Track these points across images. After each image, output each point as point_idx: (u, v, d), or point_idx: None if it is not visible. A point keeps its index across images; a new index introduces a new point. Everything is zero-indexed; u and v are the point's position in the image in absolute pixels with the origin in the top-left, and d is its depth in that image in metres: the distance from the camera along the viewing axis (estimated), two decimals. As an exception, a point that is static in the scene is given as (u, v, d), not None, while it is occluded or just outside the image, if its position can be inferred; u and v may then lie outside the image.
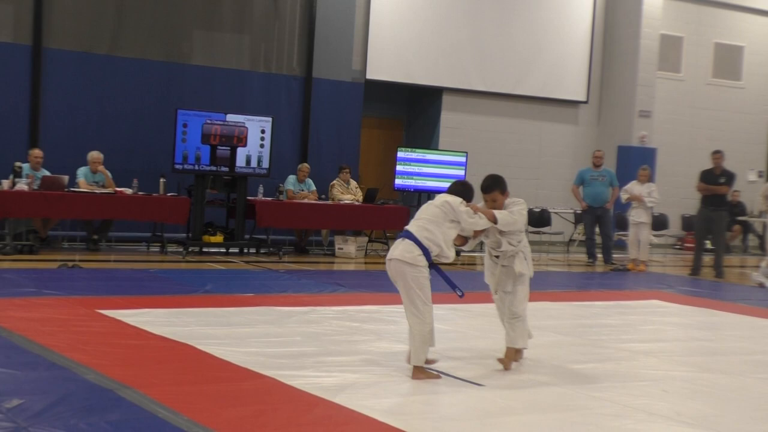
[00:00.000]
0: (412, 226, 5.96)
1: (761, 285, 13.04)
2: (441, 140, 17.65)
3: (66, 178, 12.40)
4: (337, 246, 14.19)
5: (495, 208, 6.13)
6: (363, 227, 14.60)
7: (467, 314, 8.53)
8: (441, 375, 5.92)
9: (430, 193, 15.15)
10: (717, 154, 14.32)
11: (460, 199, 6.00)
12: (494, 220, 6.03)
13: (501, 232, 6.16)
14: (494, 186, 6.19)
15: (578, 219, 16.96)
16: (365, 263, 13.60)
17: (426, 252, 5.83)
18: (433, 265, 5.94)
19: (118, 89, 14.05)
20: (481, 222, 6.00)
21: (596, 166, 15.33)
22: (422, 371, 5.85)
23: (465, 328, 7.97)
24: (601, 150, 16.02)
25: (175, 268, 11.54)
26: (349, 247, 14.04)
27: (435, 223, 5.89)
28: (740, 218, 19.52)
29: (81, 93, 13.79)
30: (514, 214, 6.11)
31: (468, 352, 6.82)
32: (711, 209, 14.11)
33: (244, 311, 8.07)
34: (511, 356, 6.31)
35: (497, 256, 6.31)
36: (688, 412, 5.38)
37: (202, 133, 12.92)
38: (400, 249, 5.87)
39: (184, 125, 12.84)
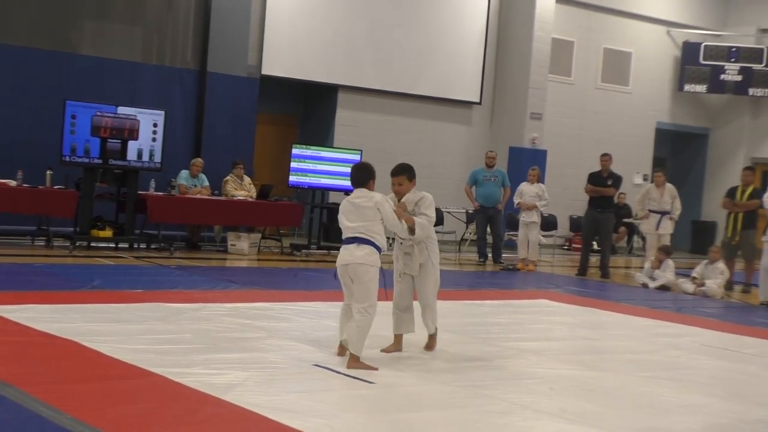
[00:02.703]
0: (359, 231, 6.19)
1: (645, 285, 13.44)
2: (336, 138, 17.65)
3: (-54, 169, 11.98)
4: (229, 242, 14.06)
5: (400, 192, 6.65)
6: (256, 224, 14.50)
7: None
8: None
9: (324, 191, 15.14)
10: (605, 157, 14.70)
11: (386, 200, 6.37)
12: (413, 232, 6.51)
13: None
14: (402, 171, 6.69)
15: (470, 218, 17.16)
16: (258, 260, 13.50)
17: (380, 252, 6.25)
18: None
19: (2, 78, 13.61)
20: (402, 228, 6.45)
21: (489, 166, 15.54)
22: (359, 361, 6.09)
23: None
24: (493, 151, 16.26)
25: (61, 263, 11.24)
26: (241, 243, 13.93)
27: (374, 224, 6.23)
28: (626, 220, 20.08)
29: (-37, 81, 13.34)
30: (427, 221, 6.61)
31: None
32: (598, 211, 14.48)
33: (133, 308, 7.92)
34: (434, 342, 6.99)
35: (401, 242, 6.77)
36: (574, 409, 5.50)
37: (92, 125, 12.61)
38: (360, 254, 6.16)
39: (73, 117, 12.52)
